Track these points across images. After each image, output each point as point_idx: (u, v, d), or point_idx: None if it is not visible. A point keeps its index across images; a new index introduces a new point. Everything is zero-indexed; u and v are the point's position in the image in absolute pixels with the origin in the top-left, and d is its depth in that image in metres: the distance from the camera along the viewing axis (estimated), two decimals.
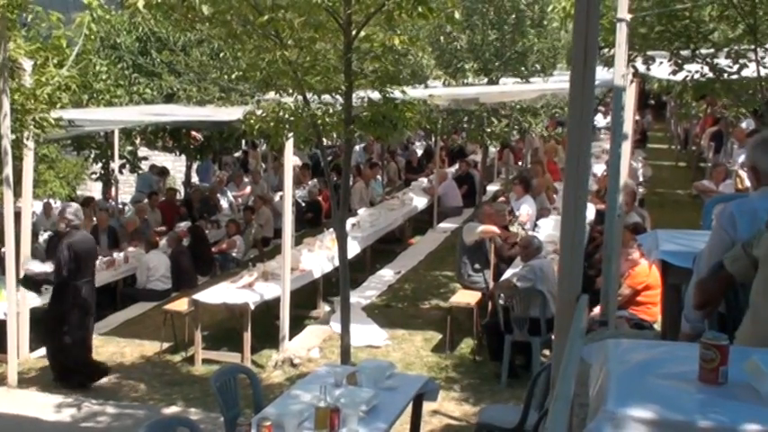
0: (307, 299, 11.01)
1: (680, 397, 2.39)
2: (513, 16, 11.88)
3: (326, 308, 11.19)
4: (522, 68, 12.04)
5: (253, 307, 9.26)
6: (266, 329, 9.78)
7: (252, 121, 7.07)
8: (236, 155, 21.97)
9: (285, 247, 9.60)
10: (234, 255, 13.97)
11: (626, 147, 8.08)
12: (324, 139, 7.85)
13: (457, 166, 18.60)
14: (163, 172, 18.52)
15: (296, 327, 10.11)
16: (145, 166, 18.19)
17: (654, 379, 2.51)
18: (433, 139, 18.34)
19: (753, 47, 7.09)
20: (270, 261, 10.80)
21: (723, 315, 3.86)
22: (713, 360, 2.50)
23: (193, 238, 13.58)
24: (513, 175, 15.45)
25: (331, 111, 7.14)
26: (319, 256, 11.07)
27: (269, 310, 9.88)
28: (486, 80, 12.20)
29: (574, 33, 2.74)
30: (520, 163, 20.52)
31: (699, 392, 2.45)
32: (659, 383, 2.48)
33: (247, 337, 9.19)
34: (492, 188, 19.04)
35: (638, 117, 23.28)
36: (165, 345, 9.87)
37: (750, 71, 7.28)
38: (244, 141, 20.27)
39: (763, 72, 7.15)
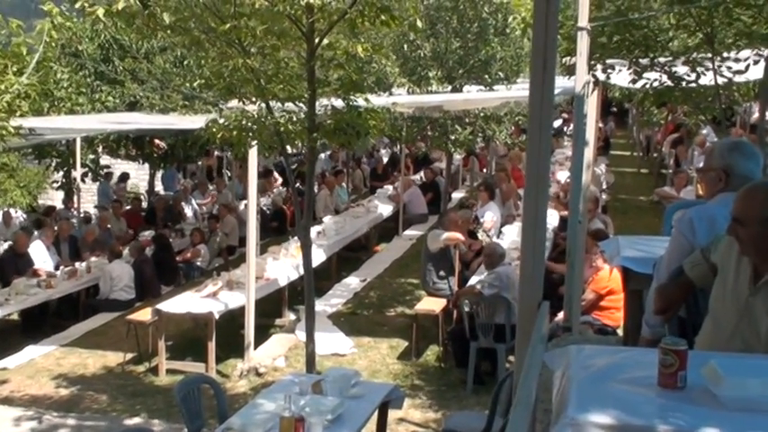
0: (272, 307, 10.96)
1: (639, 402, 2.41)
2: (477, 25, 11.95)
3: (292, 316, 11.14)
4: (486, 76, 12.11)
5: (217, 316, 9.19)
6: (231, 339, 9.72)
7: (214, 130, 7.02)
8: (203, 163, 21.80)
9: (249, 256, 9.55)
10: (198, 264, 13.86)
11: (588, 153, 8.19)
12: (288, 147, 7.83)
13: (422, 173, 18.66)
14: (123, 178, 18.36)
15: (261, 336, 10.06)
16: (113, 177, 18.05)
17: (614, 384, 2.53)
18: (399, 147, 18.37)
19: (710, 55, 7.20)
20: (235, 270, 10.74)
21: (683, 320, 3.90)
22: (672, 365, 2.52)
23: (157, 248, 13.45)
24: (478, 183, 15.51)
25: (294, 119, 7.12)
26: (284, 265, 11.03)
27: (234, 319, 9.81)
28: (449, 88, 12.26)
29: (533, 42, 2.76)
30: (485, 170, 20.64)
31: (658, 397, 2.46)
32: (619, 389, 2.49)
33: (212, 346, 9.12)
34: (457, 195, 19.13)
35: (601, 124, 23.55)
36: (129, 355, 9.75)
37: (708, 79, 7.40)
38: (215, 150, 20.15)
39: (720, 80, 7.27)
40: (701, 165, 4.33)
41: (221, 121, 7.20)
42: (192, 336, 10.18)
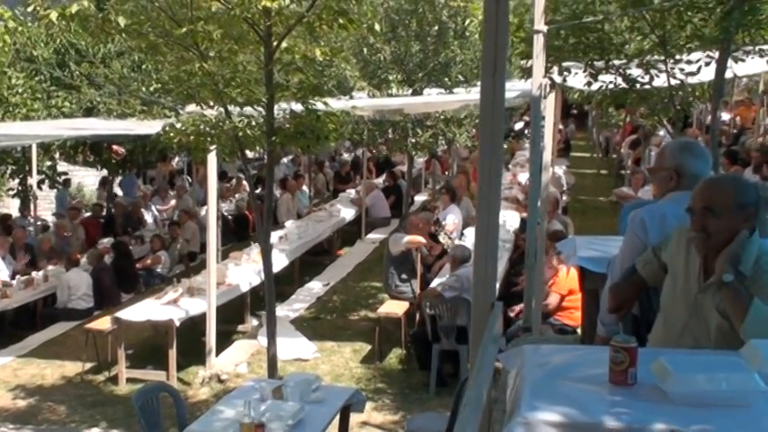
0: (234, 313, 10.89)
1: (590, 400, 2.44)
2: (436, 28, 12.01)
3: (254, 322, 11.08)
4: (446, 79, 12.17)
5: (178, 323, 9.10)
6: (192, 346, 9.64)
7: (171, 135, 6.97)
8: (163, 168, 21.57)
9: (210, 262, 9.48)
10: (159, 270, 13.72)
11: (547, 155, 8.28)
12: (248, 152, 7.80)
13: (384, 176, 18.70)
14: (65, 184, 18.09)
15: (223, 342, 9.99)
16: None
17: (566, 383, 2.56)
18: (361, 150, 18.39)
19: (663, 58, 7.31)
20: (196, 276, 10.66)
21: (637, 318, 3.95)
22: (622, 362, 2.56)
23: (117, 255, 13.29)
24: (440, 185, 15.58)
25: (253, 123, 7.10)
26: (246, 270, 10.97)
27: (195, 326, 9.72)
28: (410, 91, 12.30)
29: (483, 45, 2.78)
30: (447, 173, 20.72)
31: (609, 394, 2.50)
32: (571, 387, 2.52)
33: (173, 354, 9.03)
34: (420, 198, 19.19)
35: (561, 126, 23.81)
36: (88, 365, 9.62)
37: (661, 81, 7.51)
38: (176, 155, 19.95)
39: (673, 82, 7.39)
40: (653, 165, 4.38)
41: (178, 125, 7.14)
42: (153, 344, 10.07)
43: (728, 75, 7.26)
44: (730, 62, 6.94)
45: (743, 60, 7.18)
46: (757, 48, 7.20)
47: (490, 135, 2.77)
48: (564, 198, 15.61)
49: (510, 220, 12.48)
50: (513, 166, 19.67)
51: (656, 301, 3.59)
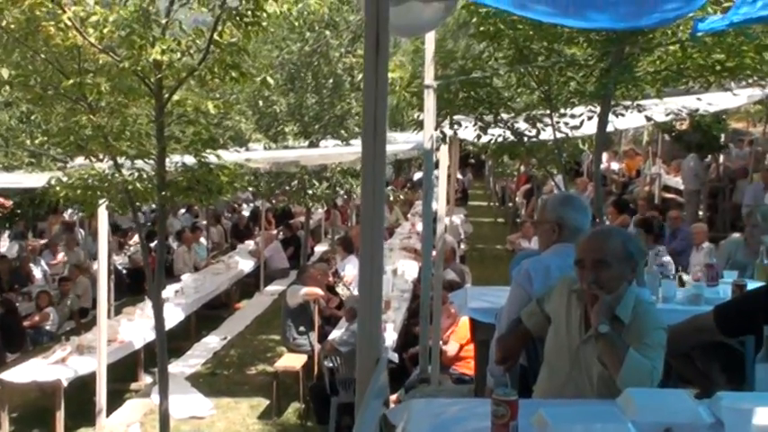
0: (127, 371, 10.53)
1: None
2: (331, 81, 12.14)
3: (148, 380, 10.73)
4: (343, 131, 12.28)
5: (66, 383, 8.73)
6: (82, 407, 9.26)
7: (58, 188, 6.77)
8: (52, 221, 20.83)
9: (100, 318, 9.18)
10: (48, 328, 13.15)
11: (442, 204, 8.43)
12: (140, 205, 7.65)
13: (283, 227, 18.60)
14: None
15: (115, 402, 9.64)
16: None
17: None
18: (260, 202, 18.27)
19: (549, 112, 7.59)
20: (86, 333, 10.30)
21: (525, 368, 4.02)
22: (504, 415, 2.58)
23: (3, 312, 12.68)
24: (339, 236, 15.62)
25: (144, 176, 6.97)
26: (140, 326, 10.65)
27: (85, 385, 9.34)
28: (306, 143, 12.35)
29: (363, 101, 2.81)
30: (347, 223, 20.78)
31: None
32: None
33: (60, 416, 8.64)
34: (320, 249, 19.14)
35: (459, 176, 24.31)
36: None
37: (548, 134, 7.79)
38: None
39: (558, 135, 7.67)
40: (536, 217, 4.53)
41: (65, 179, 6.94)
42: (39, 405, 9.60)
43: (610, 128, 7.60)
44: (611, 116, 7.27)
45: (623, 115, 7.53)
46: (635, 103, 7.58)
47: (372, 190, 2.79)
48: (461, 247, 15.87)
49: (408, 269, 12.59)
50: (412, 215, 19.90)
51: (542, 351, 3.67)
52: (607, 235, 3.36)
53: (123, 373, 10.37)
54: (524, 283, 3.97)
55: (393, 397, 8.27)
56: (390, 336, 8.98)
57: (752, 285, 4.68)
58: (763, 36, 6.65)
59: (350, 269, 12.08)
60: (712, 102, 8.75)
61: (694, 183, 15.67)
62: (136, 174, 6.93)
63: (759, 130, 17.37)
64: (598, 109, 7.15)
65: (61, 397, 8.66)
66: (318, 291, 10.09)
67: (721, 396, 2.72)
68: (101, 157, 7.16)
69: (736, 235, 7.01)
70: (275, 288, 15.61)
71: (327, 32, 11.78)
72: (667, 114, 8.53)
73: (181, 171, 6.94)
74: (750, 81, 7.40)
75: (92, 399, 9.12)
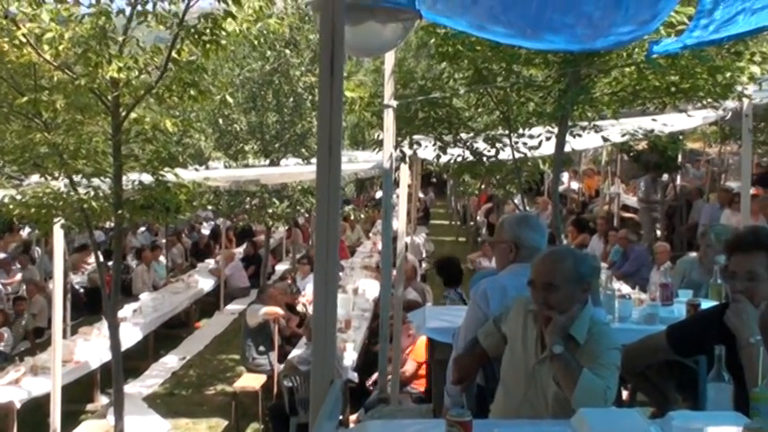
0: (83, 392, 10.34)
1: None
2: (292, 99, 12.13)
3: (105, 400, 10.54)
4: (303, 150, 12.27)
5: (19, 405, 8.55)
6: (36, 428, 9.06)
7: (11, 207, 6.65)
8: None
9: (56, 338, 8.98)
10: (1, 348, 12.88)
11: (402, 223, 8.44)
12: (97, 224, 7.55)
13: (244, 246, 18.48)
14: None
15: (70, 423, 9.41)
16: None
17: None
18: (220, 220, 18.14)
19: (507, 132, 7.66)
20: (41, 354, 10.09)
21: (483, 388, 4.02)
22: None
23: None
24: (301, 254, 15.55)
25: (100, 194, 6.88)
26: (97, 346, 10.46)
27: (39, 407, 9.15)
28: (267, 161, 12.30)
29: (318, 120, 2.81)
30: (308, 242, 20.70)
31: None
32: None
33: None
34: (281, 267, 19.03)
35: (421, 195, 24.39)
36: None
37: (506, 154, 7.85)
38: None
39: (517, 155, 7.74)
40: (494, 237, 4.54)
41: (19, 197, 6.82)
42: None
43: (568, 149, 7.68)
44: (569, 137, 7.35)
45: (580, 135, 7.61)
46: (592, 123, 7.67)
47: (326, 209, 2.78)
48: (423, 266, 15.89)
49: (370, 288, 12.56)
50: (374, 234, 19.89)
51: (499, 371, 3.67)
52: (557, 257, 3.38)
53: (79, 394, 10.18)
54: (481, 303, 3.98)
55: (353, 417, 8.24)
56: (350, 355, 8.95)
57: (705, 304, 4.74)
58: (717, 58, 6.79)
59: (311, 288, 11.99)
60: (668, 123, 8.90)
61: (645, 203, 15.93)
62: (92, 192, 6.84)
63: (715, 151, 17.70)
64: (556, 130, 7.23)
65: (14, 419, 8.50)
66: (278, 310, 10.03)
67: (672, 416, 2.74)
68: (56, 175, 7.05)
69: (692, 254, 7.09)
70: (236, 307, 15.48)
71: (288, 51, 11.78)
72: (623, 135, 8.66)
73: (138, 189, 6.86)
74: (704, 102, 7.54)
75: (46, 420, 8.92)
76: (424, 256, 17.32)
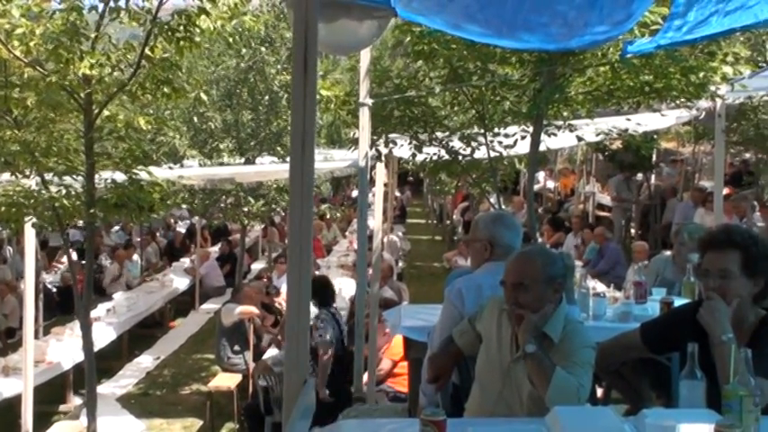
0: (55, 393, 10.24)
1: None
2: (267, 97, 12.07)
3: (78, 401, 10.44)
4: (279, 148, 12.22)
5: None
6: (8, 430, 8.97)
7: None
8: None
9: (27, 338, 8.89)
10: None
11: (378, 222, 8.43)
12: (69, 222, 7.47)
13: (220, 245, 18.38)
14: None
15: (43, 424, 9.31)
16: None
17: None
18: (196, 219, 18.03)
19: (483, 131, 7.67)
20: (12, 354, 9.98)
21: (458, 387, 4.01)
22: None
23: None
24: (277, 253, 15.49)
25: (72, 193, 6.80)
26: (69, 346, 10.37)
27: (10, 408, 9.05)
28: (242, 160, 12.24)
29: (291, 118, 2.79)
30: (285, 240, 20.62)
31: None
32: None
33: None
34: (257, 266, 18.94)
35: (397, 193, 24.39)
36: None
37: (482, 153, 7.86)
38: None
39: (493, 154, 7.75)
40: (469, 236, 4.55)
41: None
42: None
43: (543, 147, 7.71)
44: (544, 136, 7.37)
45: (555, 134, 7.64)
46: (567, 123, 7.70)
47: (299, 207, 2.76)
48: (399, 264, 15.88)
49: (346, 287, 12.52)
50: (350, 233, 19.86)
51: (474, 370, 3.67)
52: (527, 258, 3.37)
53: (52, 395, 10.09)
54: (456, 302, 3.98)
55: None
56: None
57: (679, 302, 4.77)
58: (690, 59, 6.84)
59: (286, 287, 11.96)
60: (642, 122, 8.95)
61: (617, 202, 16.06)
62: (64, 190, 6.75)
63: (689, 151, 17.86)
64: (531, 128, 7.25)
65: None
66: (253, 309, 9.98)
67: (646, 413, 2.75)
68: (27, 173, 6.97)
69: (666, 253, 7.14)
70: (211, 306, 15.37)
71: (263, 49, 11.73)
72: (598, 134, 8.70)
73: (111, 188, 6.79)
74: (678, 102, 7.59)
75: (17, 422, 8.81)
76: (400, 254, 17.32)
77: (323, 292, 7.94)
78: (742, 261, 3.13)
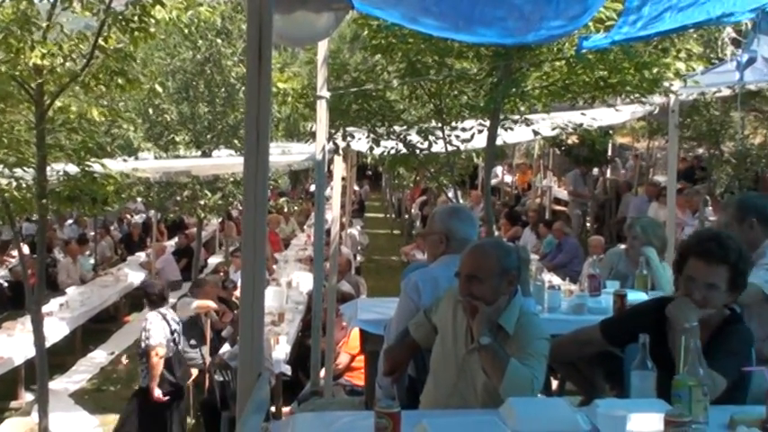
0: (6, 389, 10.06)
1: None
2: (224, 90, 11.97)
3: (29, 397, 10.26)
4: (236, 141, 12.12)
5: None
6: None
7: None
8: None
9: None
10: None
11: (336, 215, 8.40)
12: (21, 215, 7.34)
13: (176, 238, 18.19)
14: None
15: None
16: None
17: None
18: (152, 212, 17.82)
19: (440, 125, 7.69)
20: None
21: (414, 379, 4.03)
22: (386, 428, 2.59)
23: None
24: (234, 248, 15.38)
25: (23, 185, 6.67)
26: (21, 341, 10.17)
27: None
28: (198, 153, 12.12)
29: (246, 110, 2.76)
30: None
31: None
32: None
33: None
34: (214, 260, 18.78)
35: (356, 187, 24.37)
36: None
37: (440, 147, 7.88)
38: None
39: (450, 148, 7.77)
40: (425, 229, 4.57)
41: None
42: None
43: (499, 142, 7.75)
44: (501, 130, 7.41)
45: (511, 129, 7.69)
46: (523, 117, 7.76)
47: (253, 200, 2.74)
48: (358, 258, 15.88)
49: (304, 281, 12.48)
50: (308, 227, 19.78)
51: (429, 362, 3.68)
52: (482, 250, 3.39)
53: (2, 391, 9.94)
54: (413, 295, 3.99)
55: (286, 409, 8.19)
56: (284, 348, 8.88)
57: (632, 295, 4.85)
58: (644, 54, 6.93)
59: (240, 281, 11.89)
60: (597, 117, 9.05)
61: (573, 197, 16.24)
62: (14, 182, 6.63)
63: (643, 146, 18.12)
64: (488, 123, 7.28)
65: None
66: (210, 303, 9.90)
67: (598, 403, 2.79)
68: None
69: (620, 246, 7.23)
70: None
71: (220, 41, 11.62)
72: (554, 129, 8.77)
73: (63, 180, 6.68)
74: (632, 97, 7.68)
75: None
76: (359, 248, 17.31)
77: (151, 293, 8.13)
78: (729, 277, 3.13)
